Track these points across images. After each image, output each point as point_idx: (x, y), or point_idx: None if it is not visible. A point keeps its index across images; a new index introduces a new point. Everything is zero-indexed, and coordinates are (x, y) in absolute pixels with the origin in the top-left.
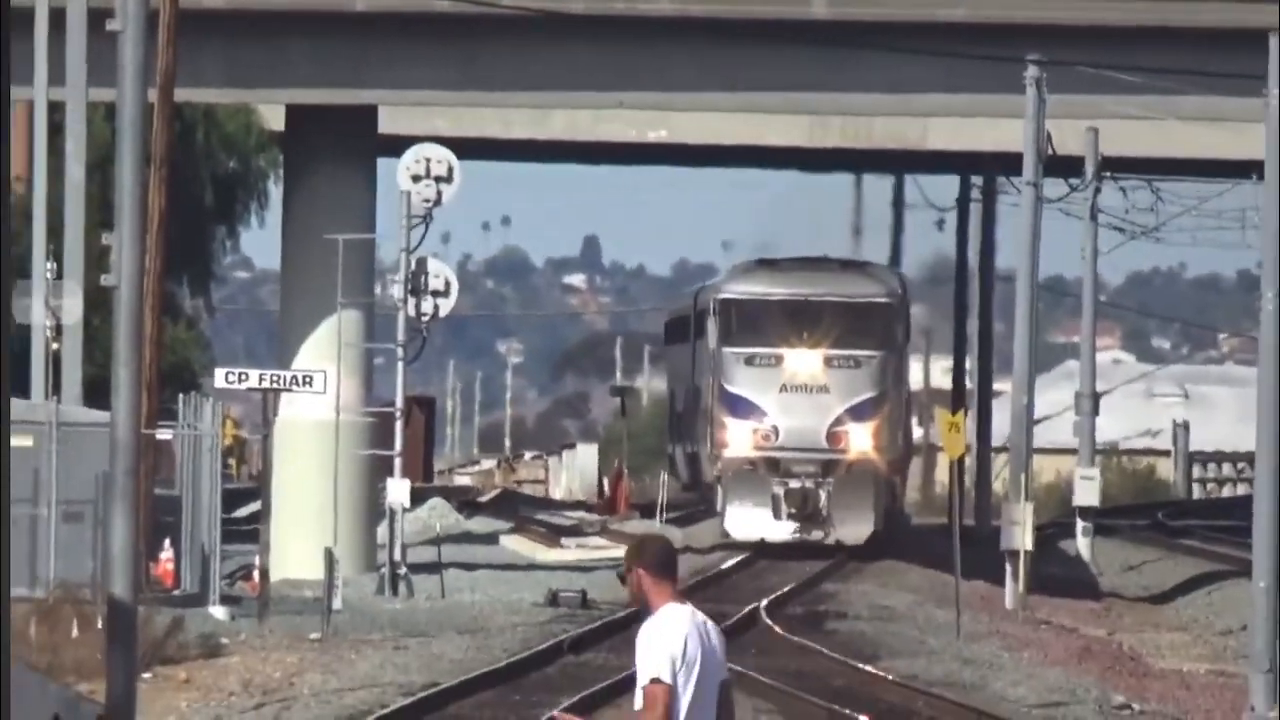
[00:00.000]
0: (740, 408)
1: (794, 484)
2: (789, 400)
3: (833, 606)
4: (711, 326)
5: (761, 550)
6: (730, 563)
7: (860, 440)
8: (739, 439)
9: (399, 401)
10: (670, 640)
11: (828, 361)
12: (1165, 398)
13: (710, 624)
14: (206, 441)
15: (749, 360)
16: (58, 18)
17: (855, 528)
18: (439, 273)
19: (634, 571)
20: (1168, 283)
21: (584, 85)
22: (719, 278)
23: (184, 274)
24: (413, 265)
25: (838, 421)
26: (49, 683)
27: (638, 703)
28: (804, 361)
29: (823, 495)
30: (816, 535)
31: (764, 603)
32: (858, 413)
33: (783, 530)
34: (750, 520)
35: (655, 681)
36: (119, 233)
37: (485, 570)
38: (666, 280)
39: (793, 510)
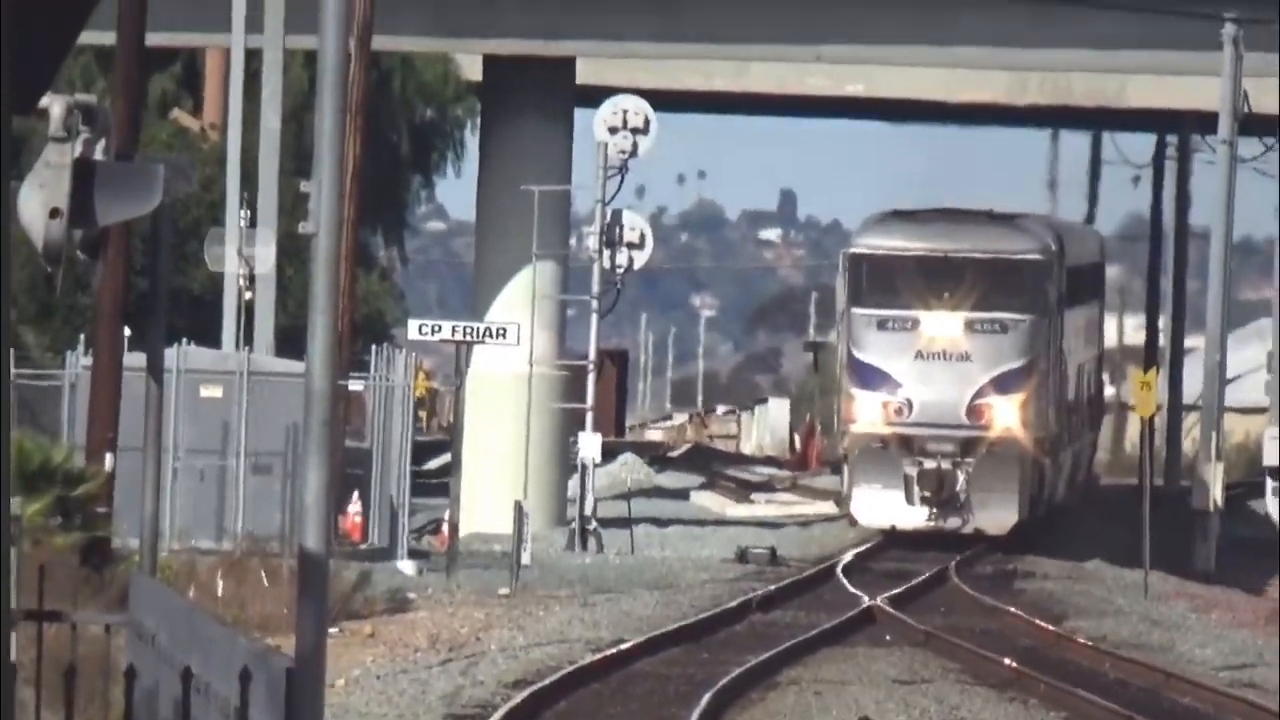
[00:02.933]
0: (870, 377)
1: (929, 464)
2: (925, 369)
3: (1021, 565)
4: (840, 286)
5: (892, 539)
6: None
7: (1005, 415)
8: (868, 412)
9: (592, 354)
10: None
11: (970, 326)
12: None
13: None
14: (398, 393)
15: (881, 324)
16: None
17: (998, 515)
18: (634, 225)
19: None
20: None
21: (783, 38)
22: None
23: (378, 224)
24: (608, 217)
25: (980, 394)
26: (239, 635)
27: None
28: (943, 325)
29: (961, 478)
30: (953, 523)
31: (954, 561)
32: (1003, 384)
33: (915, 517)
34: (879, 504)
35: None
36: (317, 179)
37: (675, 526)
38: None
39: (927, 494)
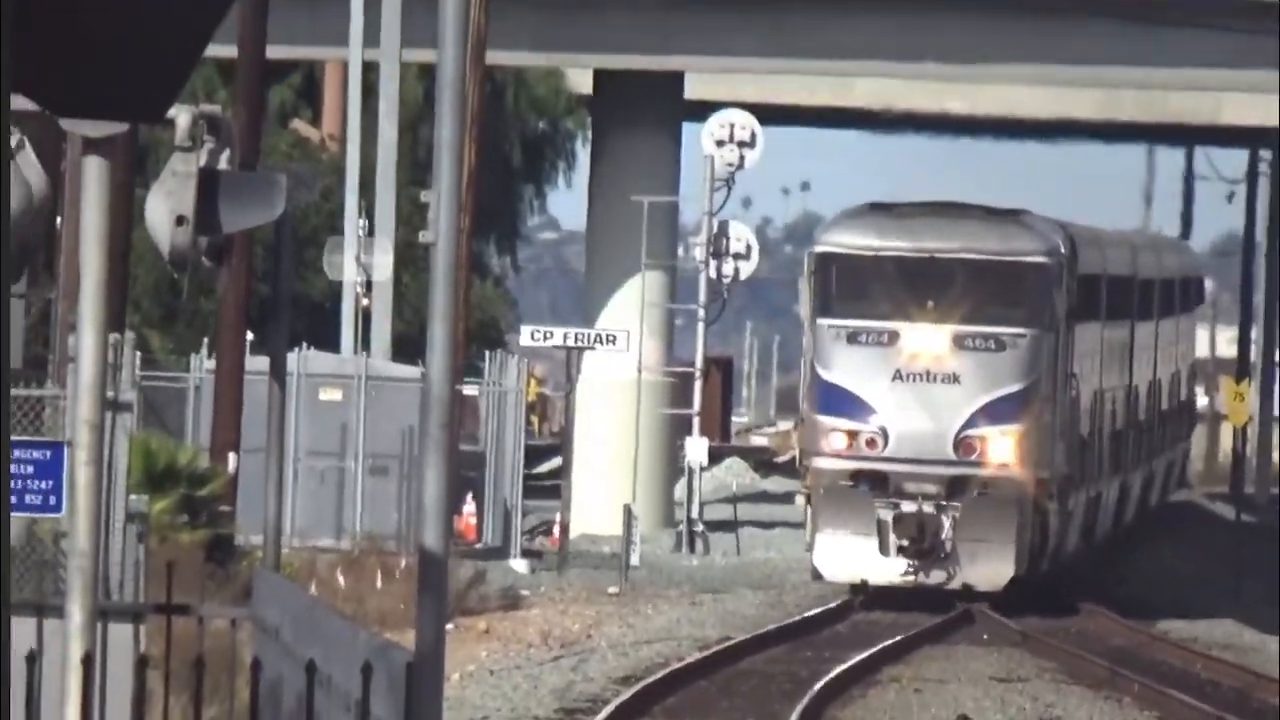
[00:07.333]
0: (838, 402)
1: (908, 507)
2: (904, 393)
3: (1114, 569)
4: (805, 292)
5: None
6: None
7: (1001, 450)
8: (834, 444)
9: (699, 361)
10: None
11: (959, 341)
12: None
13: None
14: (511, 398)
15: (851, 337)
16: None
17: (990, 568)
18: (740, 236)
19: None
20: None
21: (887, 54)
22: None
23: (492, 233)
24: (715, 228)
25: (970, 423)
26: (360, 630)
27: None
28: (926, 340)
29: (946, 523)
30: (937, 577)
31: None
32: (998, 412)
33: (891, 569)
34: (848, 554)
35: None
36: (437, 189)
37: (780, 529)
38: None
39: (905, 543)
